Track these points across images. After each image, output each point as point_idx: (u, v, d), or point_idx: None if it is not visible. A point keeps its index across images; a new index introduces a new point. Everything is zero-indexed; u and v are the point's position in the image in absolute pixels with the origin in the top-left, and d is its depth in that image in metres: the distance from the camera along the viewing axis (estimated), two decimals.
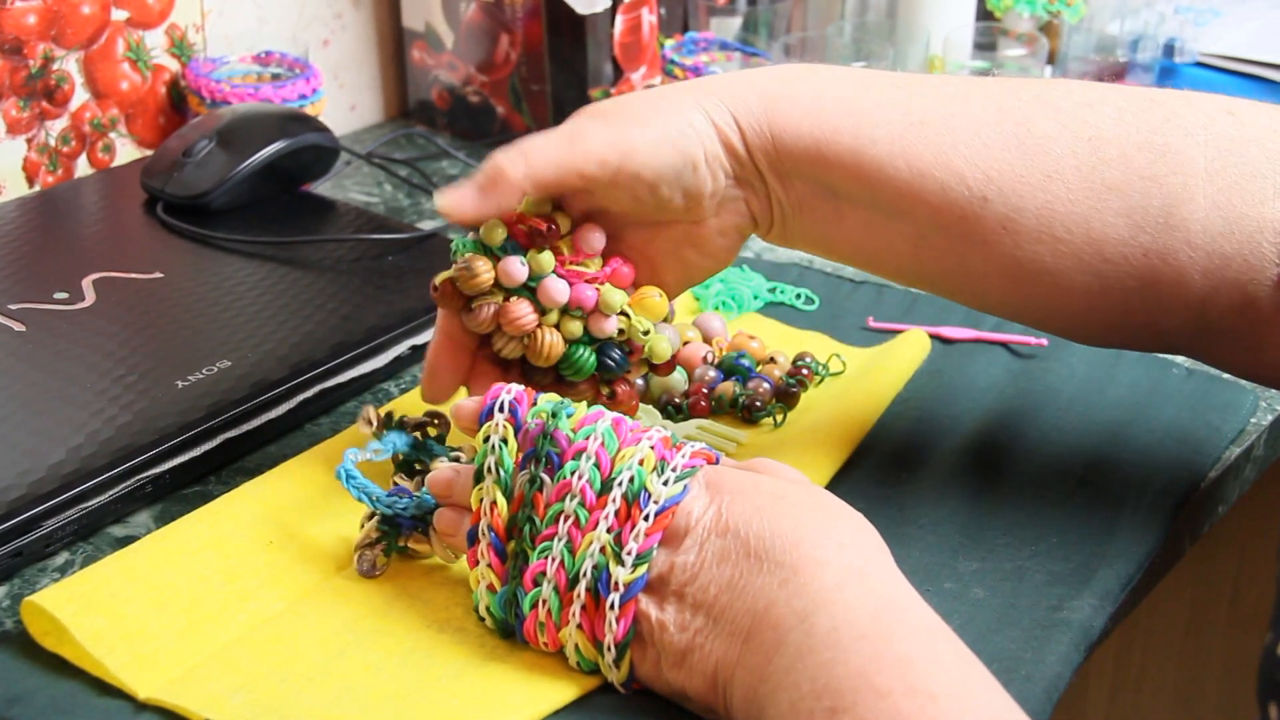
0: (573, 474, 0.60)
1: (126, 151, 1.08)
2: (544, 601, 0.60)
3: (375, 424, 0.72)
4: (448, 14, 1.18)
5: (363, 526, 0.68)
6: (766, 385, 0.80)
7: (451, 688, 0.60)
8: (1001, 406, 0.81)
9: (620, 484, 0.59)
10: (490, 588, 0.62)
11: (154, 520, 0.73)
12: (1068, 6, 1.17)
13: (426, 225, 1.04)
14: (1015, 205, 0.66)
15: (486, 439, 0.62)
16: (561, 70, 1.14)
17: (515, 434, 0.62)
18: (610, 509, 0.59)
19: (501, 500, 0.61)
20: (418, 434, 0.73)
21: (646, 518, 0.59)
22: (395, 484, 0.70)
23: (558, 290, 0.69)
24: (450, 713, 0.59)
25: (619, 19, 1.14)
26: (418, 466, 0.72)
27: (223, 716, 0.59)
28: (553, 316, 0.70)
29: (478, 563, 0.62)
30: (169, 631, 0.63)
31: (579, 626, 0.60)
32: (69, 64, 1.03)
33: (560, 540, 0.60)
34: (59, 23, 1.02)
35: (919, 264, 0.70)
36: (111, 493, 0.71)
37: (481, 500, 0.62)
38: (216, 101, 1.05)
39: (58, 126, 1.04)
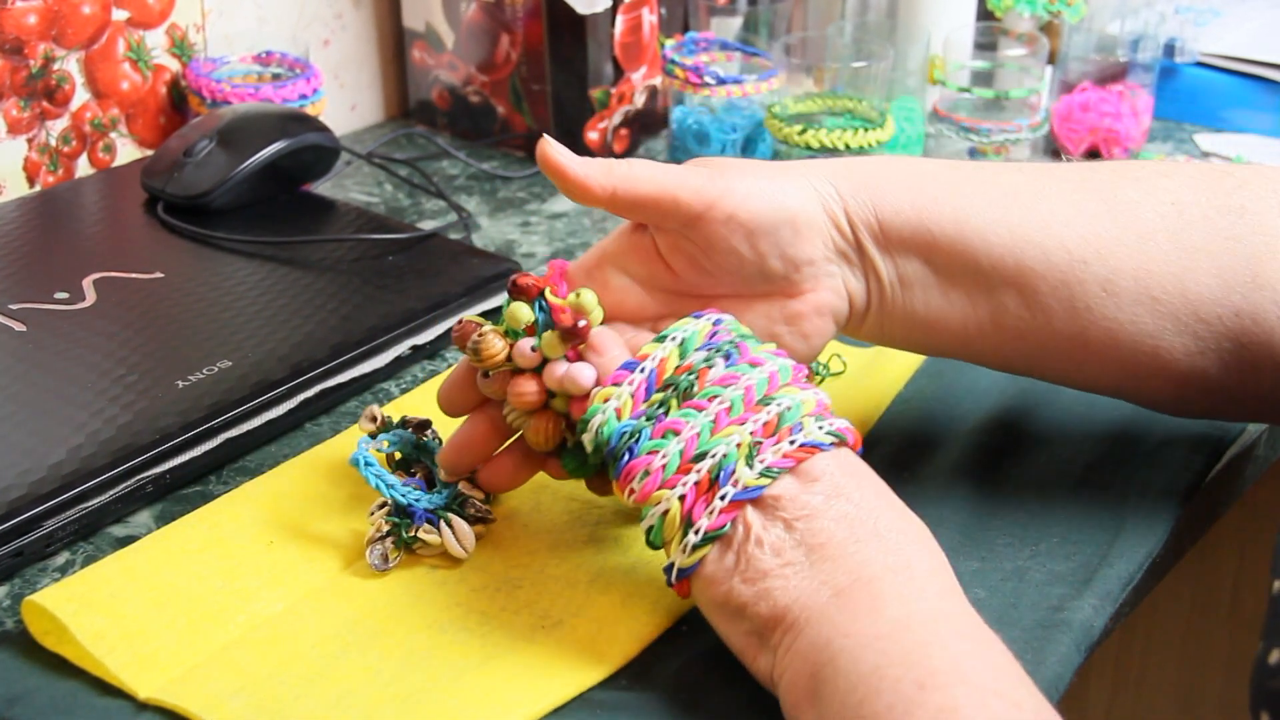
0: (743, 374, 0.62)
1: (127, 151, 1.08)
2: (663, 454, 0.61)
3: (377, 421, 0.72)
4: (448, 14, 1.18)
5: (371, 517, 0.69)
6: None
7: (452, 688, 0.61)
8: (1002, 406, 0.81)
9: (780, 403, 0.61)
10: (618, 413, 0.62)
11: (154, 520, 0.73)
12: (1068, 6, 1.17)
13: (426, 225, 1.04)
14: (1114, 267, 0.68)
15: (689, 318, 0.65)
16: (562, 70, 1.14)
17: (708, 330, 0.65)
18: (762, 416, 0.61)
19: (675, 356, 0.63)
20: (418, 433, 0.73)
21: (792, 442, 0.60)
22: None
23: (557, 374, 0.65)
24: (450, 713, 0.59)
25: (619, 19, 1.14)
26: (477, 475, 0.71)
27: (223, 719, 0.59)
28: (560, 403, 0.66)
29: (618, 385, 0.62)
30: (169, 631, 0.63)
31: (680, 497, 0.60)
32: (69, 64, 1.03)
33: (706, 415, 0.61)
34: (59, 23, 1.02)
35: (1022, 339, 0.70)
36: (111, 493, 0.71)
37: (654, 353, 0.63)
38: (217, 101, 1.05)
39: (58, 126, 1.04)
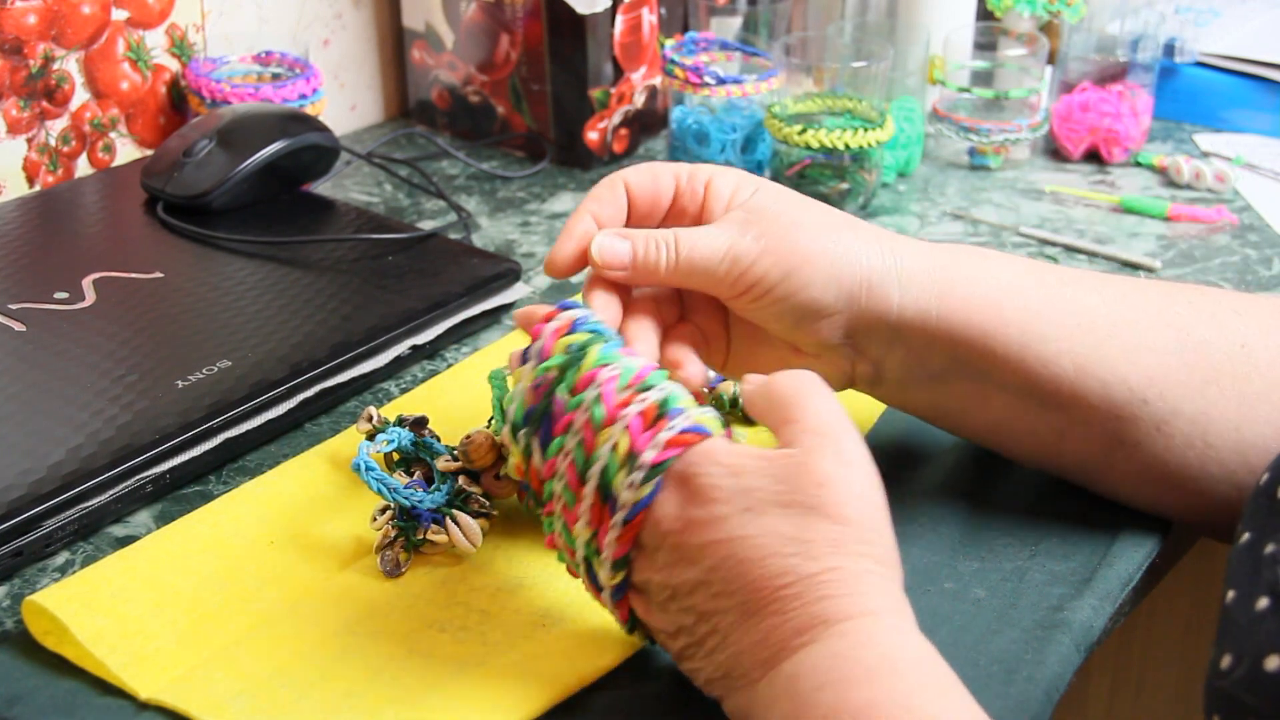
0: (559, 451, 0.59)
1: (126, 151, 1.08)
2: (563, 558, 0.61)
3: (374, 421, 0.73)
4: (448, 14, 1.18)
5: (374, 522, 0.69)
6: None
7: (452, 687, 0.60)
8: None
9: (593, 476, 0.58)
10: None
11: (154, 520, 0.73)
12: (1068, 6, 1.17)
13: (426, 225, 1.04)
14: (1173, 408, 0.67)
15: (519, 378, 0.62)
16: (561, 70, 1.14)
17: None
18: (586, 504, 0.58)
19: (516, 452, 0.61)
20: (416, 431, 0.73)
21: (615, 526, 0.57)
22: None
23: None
24: (452, 712, 0.59)
25: (619, 19, 1.14)
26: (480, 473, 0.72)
27: None
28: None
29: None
30: (170, 631, 0.63)
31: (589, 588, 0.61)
32: (69, 64, 1.03)
33: (557, 519, 0.60)
34: (59, 23, 1.02)
35: (1060, 454, 0.70)
36: (111, 493, 0.71)
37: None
38: (217, 101, 1.05)
39: (58, 126, 1.04)
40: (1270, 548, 0.53)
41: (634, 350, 0.61)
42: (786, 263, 0.66)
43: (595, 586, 0.59)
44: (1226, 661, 0.51)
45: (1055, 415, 0.68)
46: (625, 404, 0.58)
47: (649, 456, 0.57)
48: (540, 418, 0.59)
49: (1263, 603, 0.51)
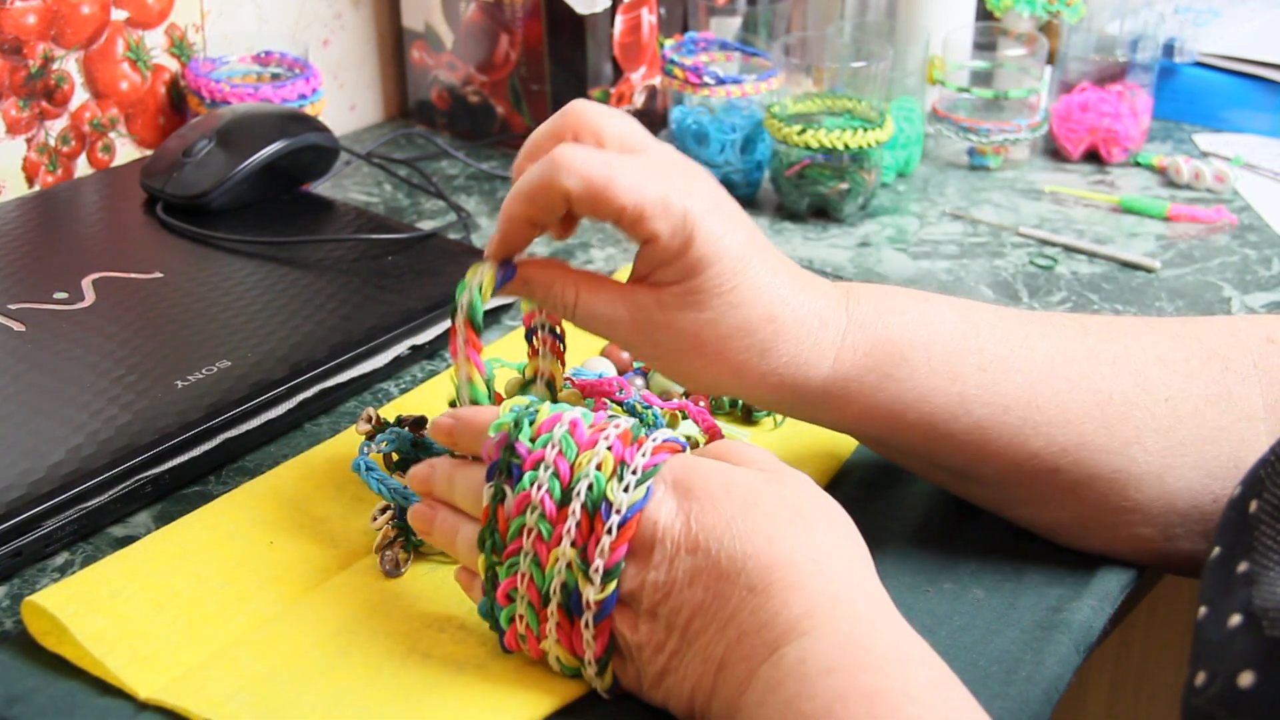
0: (532, 484, 0.58)
1: (126, 151, 1.08)
2: (520, 617, 0.59)
3: (373, 422, 0.73)
4: (448, 14, 1.18)
5: (374, 522, 0.69)
6: None
7: (452, 687, 0.60)
8: None
9: (579, 494, 0.57)
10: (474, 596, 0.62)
11: (154, 520, 0.73)
12: (1067, 6, 1.17)
13: (426, 225, 1.04)
14: (1091, 472, 0.66)
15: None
16: (561, 70, 1.14)
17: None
18: (571, 522, 0.57)
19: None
20: (415, 431, 0.73)
21: (610, 530, 0.56)
22: None
23: None
24: (451, 712, 0.59)
25: (619, 19, 1.14)
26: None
27: (224, 719, 0.59)
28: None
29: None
30: (169, 631, 0.63)
31: (557, 641, 0.59)
32: (69, 64, 1.03)
33: (527, 556, 0.58)
34: (59, 23, 1.02)
35: (981, 498, 0.70)
36: (111, 493, 0.71)
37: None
38: (216, 101, 1.05)
39: (57, 126, 1.04)
40: (1243, 565, 0.52)
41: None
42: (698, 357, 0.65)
43: (570, 619, 0.58)
44: (1201, 679, 0.51)
45: (976, 470, 0.68)
46: (600, 429, 0.59)
47: (641, 461, 0.58)
48: (506, 466, 0.59)
49: (1235, 619, 0.51)
